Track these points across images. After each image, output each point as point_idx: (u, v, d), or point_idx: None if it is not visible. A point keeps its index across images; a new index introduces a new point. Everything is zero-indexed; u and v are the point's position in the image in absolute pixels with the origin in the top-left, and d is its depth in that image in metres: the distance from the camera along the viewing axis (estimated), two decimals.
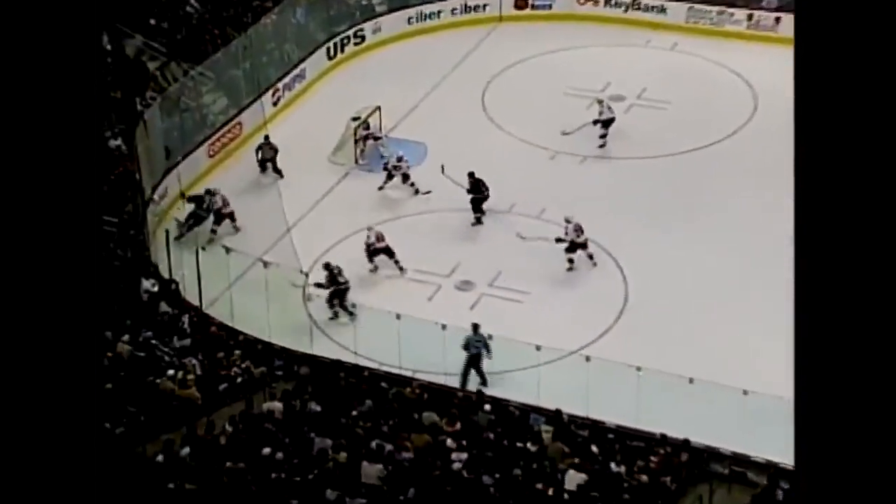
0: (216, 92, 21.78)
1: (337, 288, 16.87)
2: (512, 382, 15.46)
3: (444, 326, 15.17)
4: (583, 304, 17.20)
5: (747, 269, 17.59)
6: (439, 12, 25.54)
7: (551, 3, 25.68)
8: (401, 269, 17.86)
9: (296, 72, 22.97)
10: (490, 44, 25.01)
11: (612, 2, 25.54)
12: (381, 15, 25.14)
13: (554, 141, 21.13)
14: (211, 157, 20.90)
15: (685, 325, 16.58)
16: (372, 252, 17.88)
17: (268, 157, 20.54)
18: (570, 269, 17.84)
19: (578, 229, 17.84)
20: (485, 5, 25.74)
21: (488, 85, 23.36)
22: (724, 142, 21.05)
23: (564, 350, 15.40)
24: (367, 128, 21.22)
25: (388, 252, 17.89)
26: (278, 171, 20.48)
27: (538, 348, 14.73)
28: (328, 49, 23.87)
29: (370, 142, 21.21)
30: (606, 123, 21.00)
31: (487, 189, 19.08)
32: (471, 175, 19.09)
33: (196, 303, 16.85)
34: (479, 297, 17.51)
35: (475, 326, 15.65)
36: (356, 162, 20.86)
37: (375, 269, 17.94)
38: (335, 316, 16.91)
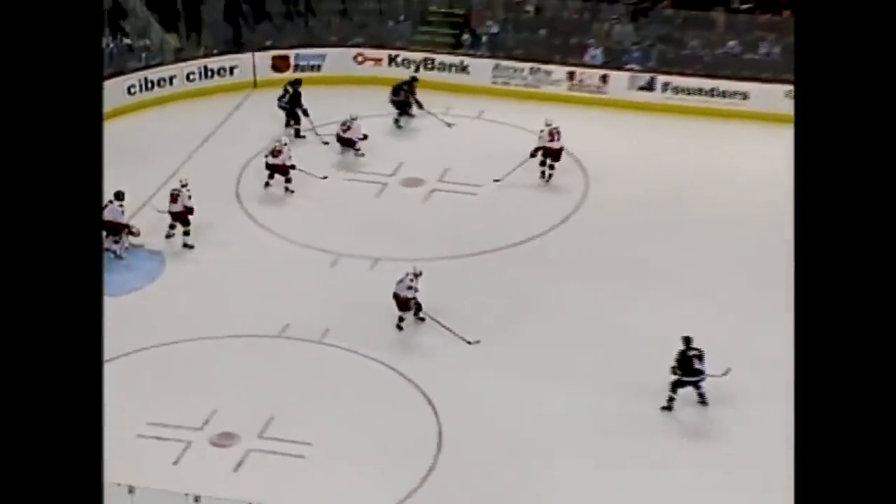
0: None
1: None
2: None
3: (196, 499, 14.73)
4: (385, 454, 17.01)
5: (594, 391, 17.91)
6: (171, 78, 25.81)
7: (320, 63, 26.17)
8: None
9: None
10: (243, 117, 25.29)
11: (399, 60, 26.28)
12: None
13: (336, 242, 21.32)
14: None
15: (518, 471, 16.70)
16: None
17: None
18: (399, 326, 19.21)
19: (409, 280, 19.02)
20: (232, 68, 26.20)
21: (244, 171, 23.43)
22: (550, 233, 21.67)
23: None
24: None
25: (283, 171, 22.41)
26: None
27: None
28: None
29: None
30: None
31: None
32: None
33: None
34: (244, 453, 17.11)
35: None
36: None
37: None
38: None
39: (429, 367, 18.54)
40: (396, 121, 24.69)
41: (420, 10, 27.36)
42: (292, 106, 24.41)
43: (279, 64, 26.30)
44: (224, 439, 17.34)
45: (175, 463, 16.93)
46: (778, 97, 24.57)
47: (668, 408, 17.46)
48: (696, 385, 17.43)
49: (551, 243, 21.45)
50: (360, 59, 26.33)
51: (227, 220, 21.96)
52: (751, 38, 25.68)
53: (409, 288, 18.94)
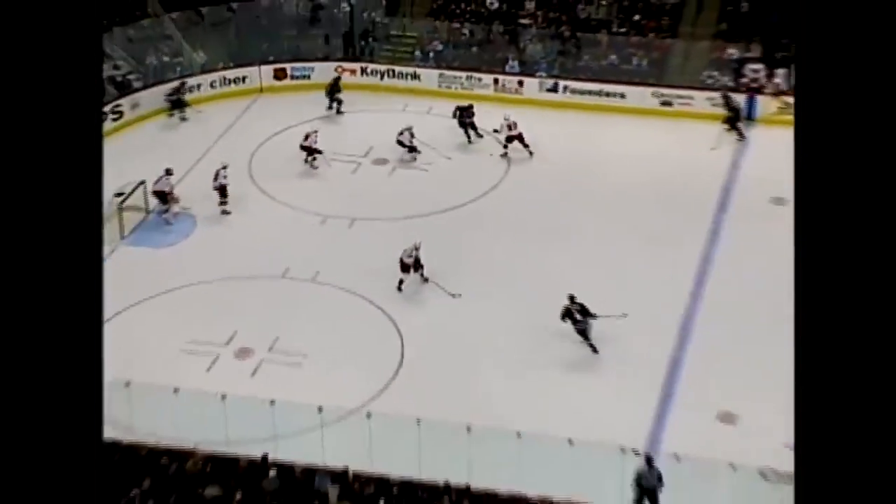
0: None
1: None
2: (297, 445, 15.06)
3: (223, 397, 14.81)
4: (361, 363, 17.16)
5: (515, 321, 18.01)
6: (199, 86, 25.39)
7: (309, 73, 25.96)
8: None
9: None
10: (253, 115, 24.99)
11: (369, 70, 26.16)
12: (137, 90, 24.67)
13: (323, 206, 21.33)
14: None
15: (459, 376, 16.85)
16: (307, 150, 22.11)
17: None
18: (399, 288, 18.40)
19: (413, 253, 18.37)
20: (244, 77, 25.76)
21: (254, 155, 23.25)
22: (481, 199, 21.69)
23: (346, 409, 15.37)
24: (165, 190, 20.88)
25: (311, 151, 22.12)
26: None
27: (320, 410, 14.58)
28: None
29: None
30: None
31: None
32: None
33: None
34: (258, 363, 17.26)
35: (649, 460, 13.91)
36: (121, 237, 20.31)
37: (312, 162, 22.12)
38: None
39: (394, 299, 18.58)
40: (468, 137, 23.40)
41: (384, 34, 27.11)
42: (333, 93, 24.50)
43: (279, 74, 25.91)
44: (243, 353, 17.44)
45: (207, 370, 17.04)
46: (646, 97, 24.75)
47: (595, 351, 17.09)
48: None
49: (483, 208, 21.45)
50: (339, 70, 26.05)
51: (242, 191, 21.76)
52: (626, 54, 25.65)
53: (410, 256, 18.54)
